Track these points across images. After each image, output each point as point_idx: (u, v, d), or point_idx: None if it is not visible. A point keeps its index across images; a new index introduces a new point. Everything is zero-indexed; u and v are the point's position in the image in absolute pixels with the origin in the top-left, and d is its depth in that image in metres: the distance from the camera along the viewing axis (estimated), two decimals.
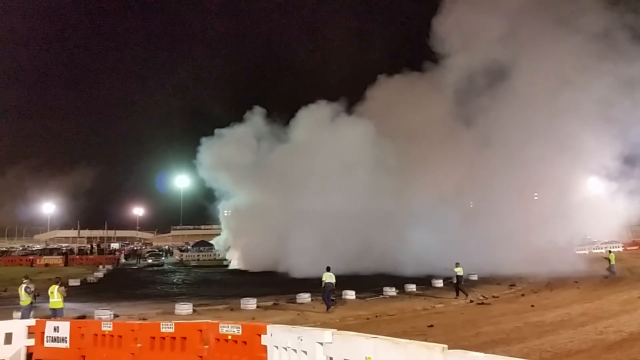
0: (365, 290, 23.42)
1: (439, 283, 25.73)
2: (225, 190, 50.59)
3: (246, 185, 46.07)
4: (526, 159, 35.81)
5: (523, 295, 22.55)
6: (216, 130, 49.63)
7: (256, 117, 48.67)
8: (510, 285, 25.68)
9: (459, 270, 22.16)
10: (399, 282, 24.95)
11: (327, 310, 18.70)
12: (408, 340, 6.01)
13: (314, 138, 41.49)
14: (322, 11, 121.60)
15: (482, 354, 5.11)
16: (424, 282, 25.70)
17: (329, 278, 19.02)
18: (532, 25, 37.72)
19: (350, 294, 21.90)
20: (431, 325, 14.99)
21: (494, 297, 21.93)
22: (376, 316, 17.52)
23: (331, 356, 7.04)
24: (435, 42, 41.13)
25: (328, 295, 19.02)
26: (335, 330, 7.28)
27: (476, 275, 28.64)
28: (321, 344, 7.22)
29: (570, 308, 17.52)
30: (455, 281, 22.33)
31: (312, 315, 17.94)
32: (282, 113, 48.11)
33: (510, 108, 37.25)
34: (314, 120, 43.40)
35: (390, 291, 22.72)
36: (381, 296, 22.43)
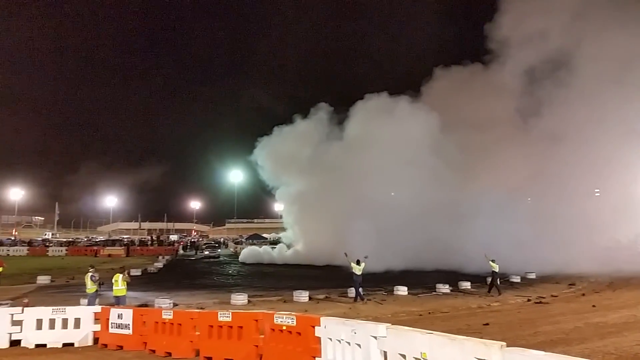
0: (418, 286, 23.21)
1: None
2: (283, 185, 50.72)
3: (306, 180, 46.01)
4: (588, 154, 34.35)
5: (583, 294, 21.67)
6: (276, 128, 49.97)
7: (320, 113, 48.45)
8: (570, 285, 24.74)
9: (495, 267, 21.82)
10: (457, 278, 24.61)
11: (354, 301, 19.45)
12: (465, 337, 5.95)
13: (374, 131, 40.84)
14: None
15: (542, 353, 4.99)
16: (480, 279, 25.14)
17: (358, 270, 19.72)
18: (596, 14, 36.13)
19: (402, 290, 21.75)
20: (487, 324, 14.68)
21: (552, 296, 21.20)
22: (429, 313, 17.32)
23: (385, 350, 7.05)
24: (498, 34, 40.34)
25: (357, 287, 19.67)
26: (389, 324, 7.28)
27: (534, 274, 27.86)
28: (375, 337, 7.24)
29: (636, 309, 16.67)
30: (490, 277, 22.06)
31: (363, 309, 17.97)
32: (343, 108, 47.73)
33: (574, 101, 35.87)
34: (374, 112, 42.71)
35: (444, 288, 22.39)
36: (434, 293, 22.15)
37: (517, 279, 26.31)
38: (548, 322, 14.77)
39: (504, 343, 5.35)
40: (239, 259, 47.89)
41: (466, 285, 23.57)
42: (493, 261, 21.88)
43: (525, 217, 33.47)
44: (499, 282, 21.95)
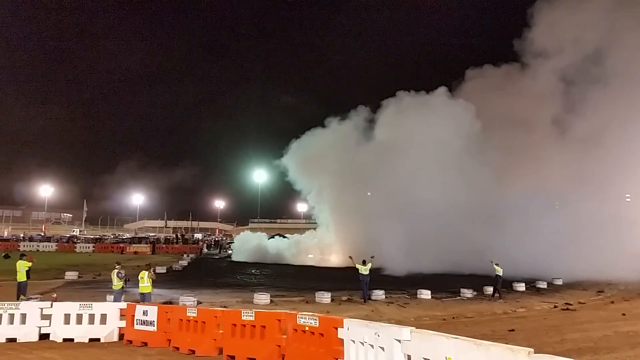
0: (443, 290, 22.97)
1: (521, 287, 24.68)
2: (314, 187, 50.06)
3: (338, 182, 45.14)
4: (620, 157, 33.59)
5: (612, 302, 21.15)
6: (308, 131, 49.33)
7: (353, 115, 47.70)
8: (598, 292, 24.17)
9: (499, 270, 21.90)
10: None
11: (364, 302, 19.71)
12: (491, 342, 5.85)
13: (408, 129, 40.10)
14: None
15: None
16: (505, 285, 24.72)
17: (364, 270, 20.10)
18: (633, 13, 35.44)
19: (425, 294, 21.55)
20: (512, 330, 14.45)
21: (580, 303, 20.73)
22: (453, 317, 17.12)
23: (409, 354, 6.97)
24: (533, 35, 40.11)
25: (365, 287, 20.04)
26: (413, 328, 7.20)
27: (561, 280, 27.29)
28: (399, 341, 7.17)
29: None
30: (495, 281, 22.07)
31: (386, 312, 17.87)
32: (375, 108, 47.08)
33: (608, 103, 35.16)
34: (408, 110, 42.06)
35: (468, 292, 22.10)
36: (458, 297, 21.88)
37: (543, 285, 25.81)
38: (575, 330, 14.47)
39: (532, 349, 5.25)
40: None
41: (491, 290, 23.19)
42: (497, 265, 22.02)
43: (555, 221, 32.79)
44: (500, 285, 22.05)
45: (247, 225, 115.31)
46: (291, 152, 49.30)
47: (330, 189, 46.44)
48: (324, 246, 47.84)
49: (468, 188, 36.56)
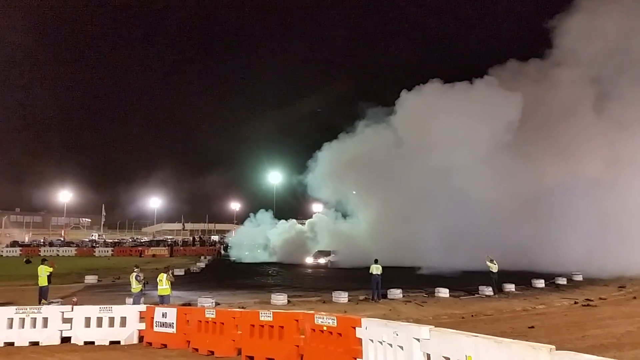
0: (460, 288, 22.81)
1: (540, 283, 24.41)
2: (342, 190, 49.04)
3: (370, 183, 44.26)
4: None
5: (635, 298, 20.81)
6: (340, 135, 48.99)
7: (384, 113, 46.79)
8: (620, 287, 23.81)
9: (493, 267, 22.11)
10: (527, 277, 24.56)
11: (373, 300, 19.97)
12: (512, 340, 5.78)
13: (441, 123, 39.31)
14: None
15: (595, 357, 4.77)
16: (524, 282, 24.47)
17: (375, 270, 20.41)
18: None
19: (443, 292, 21.41)
20: (532, 327, 14.27)
21: (601, 298, 20.42)
22: (472, 315, 16.98)
23: (429, 353, 6.91)
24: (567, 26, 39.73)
25: (377, 287, 20.33)
26: (432, 326, 7.14)
27: (580, 275, 26.95)
28: (418, 340, 7.12)
29: None
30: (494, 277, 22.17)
31: (404, 311, 17.78)
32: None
33: None
34: (443, 102, 41.22)
35: (487, 290, 21.90)
36: (477, 295, 21.71)
37: (563, 281, 25.46)
38: (597, 326, 14.25)
39: (553, 346, 5.16)
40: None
41: (510, 287, 22.97)
42: (492, 261, 22.18)
43: (590, 214, 32.08)
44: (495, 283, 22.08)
45: None
46: (322, 155, 48.67)
47: (363, 189, 45.73)
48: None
49: (505, 182, 36.16)
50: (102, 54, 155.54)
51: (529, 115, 39.09)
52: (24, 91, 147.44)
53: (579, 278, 26.74)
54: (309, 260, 41.57)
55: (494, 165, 37.00)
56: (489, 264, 22.27)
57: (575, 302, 19.51)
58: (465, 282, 23.69)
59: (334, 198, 50.10)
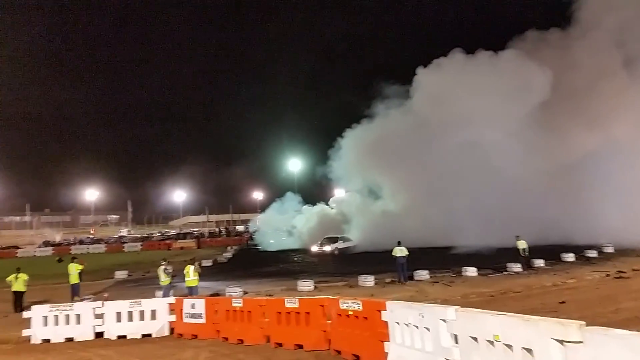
0: (488, 266, 22.55)
1: (570, 257, 23.98)
2: (372, 174, 48.11)
3: (399, 165, 43.02)
4: None
5: None
6: (361, 120, 48.13)
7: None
8: None
9: (522, 244, 21.85)
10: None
11: (399, 282, 19.95)
12: (539, 317, 5.66)
13: (467, 97, 38.51)
14: None
15: (628, 332, 4.64)
16: (554, 256, 24.05)
17: (399, 252, 20.28)
18: None
19: (471, 271, 21.18)
20: (563, 302, 14.03)
21: (634, 270, 19.94)
22: (501, 293, 16.76)
23: (455, 333, 6.86)
24: None
25: (402, 269, 20.25)
26: (458, 307, 7.06)
27: (612, 247, 26.36)
28: (444, 321, 7.06)
29: None
30: (523, 254, 21.92)
31: (431, 292, 17.66)
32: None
33: None
34: (468, 74, 40.20)
35: (515, 267, 21.62)
36: (505, 272, 21.44)
37: (593, 254, 24.96)
38: (631, 298, 13.92)
39: (583, 322, 5.04)
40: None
41: (540, 262, 22.62)
42: (518, 237, 22.02)
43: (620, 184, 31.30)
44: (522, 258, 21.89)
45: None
46: (345, 143, 47.93)
47: (390, 173, 44.77)
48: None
49: (534, 154, 35.49)
50: (122, 52, 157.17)
51: (555, 86, 38.08)
52: (50, 93, 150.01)
53: (610, 250, 26.18)
54: (315, 248, 39.99)
55: (522, 138, 36.15)
56: (517, 242, 22.03)
57: (607, 275, 19.11)
58: (497, 260, 23.31)
59: (361, 184, 49.61)
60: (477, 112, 37.57)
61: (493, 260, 23.66)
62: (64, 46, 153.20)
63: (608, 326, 5.17)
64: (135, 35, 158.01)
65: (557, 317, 7.76)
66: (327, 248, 38.96)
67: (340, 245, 39.24)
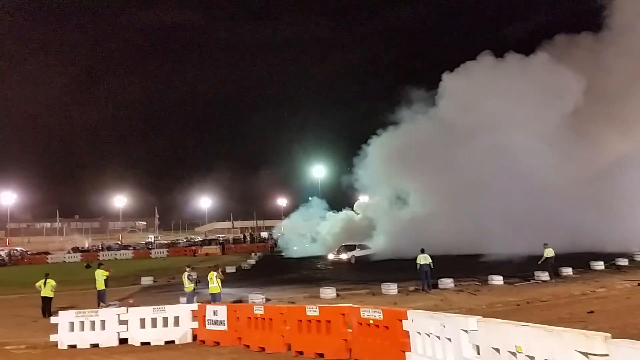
0: (514, 275, 22.07)
1: (600, 265, 23.33)
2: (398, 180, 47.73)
3: (427, 172, 42.00)
4: None
5: None
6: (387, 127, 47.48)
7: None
8: None
9: (549, 252, 21.14)
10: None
11: (423, 290, 19.73)
12: (563, 328, 5.50)
13: (497, 101, 37.80)
14: None
15: None
16: (582, 264, 23.44)
17: (423, 260, 20.04)
18: None
19: (497, 279, 20.75)
20: (591, 312, 13.63)
21: None
22: (527, 302, 16.40)
23: (477, 344, 6.72)
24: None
25: (426, 277, 20.01)
26: (480, 317, 6.92)
27: None
28: (466, 331, 6.92)
29: None
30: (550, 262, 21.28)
31: (456, 301, 17.39)
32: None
33: None
34: (498, 78, 39.44)
35: (543, 275, 21.12)
36: (532, 281, 20.98)
37: (624, 262, 24.26)
38: None
39: (609, 334, 4.87)
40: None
41: (568, 271, 22.08)
42: (546, 245, 21.38)
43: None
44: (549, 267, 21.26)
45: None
46: (371, 150, 47.26)
47: (418, 180, 43.76)
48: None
49: (566, 161, 34.88)
50: (152, 66, 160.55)
51: (586, 90, 37.30)
52: (78, 103, 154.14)
53: (639, 258, 25.43)
54: (331, 256, 39.13)
55: (553, 144, 35.51)
56: (545, 250, 21.47)
57: (639, 284, 18.54)
58: (527, 268, 22.75)
59: (388, 192, 49.13)
60: (507, 117, 36.91)
61: (522, 269, 23.12)
62: (99, 57, 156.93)
63: (638, 338, 4.98)
64: (167, 48, 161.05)
65: (585, 328, 7.53)
66: (344, 256, 38.03)
67: (357, 253, 38.10)
